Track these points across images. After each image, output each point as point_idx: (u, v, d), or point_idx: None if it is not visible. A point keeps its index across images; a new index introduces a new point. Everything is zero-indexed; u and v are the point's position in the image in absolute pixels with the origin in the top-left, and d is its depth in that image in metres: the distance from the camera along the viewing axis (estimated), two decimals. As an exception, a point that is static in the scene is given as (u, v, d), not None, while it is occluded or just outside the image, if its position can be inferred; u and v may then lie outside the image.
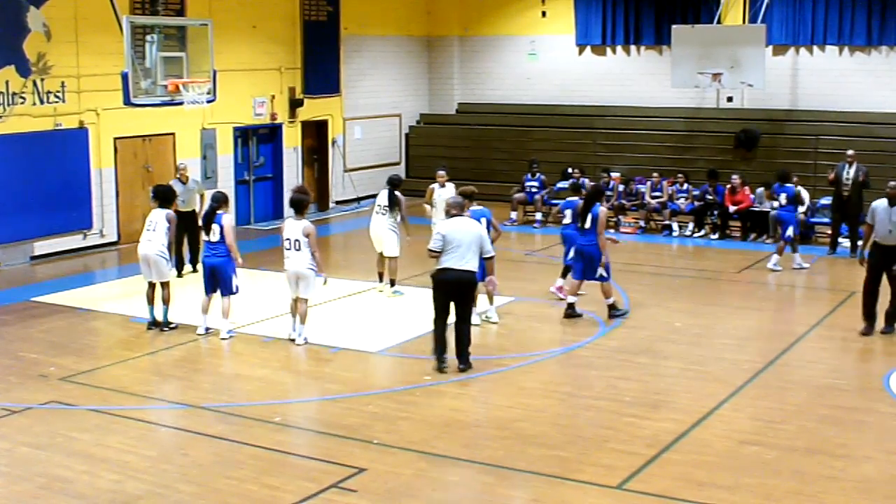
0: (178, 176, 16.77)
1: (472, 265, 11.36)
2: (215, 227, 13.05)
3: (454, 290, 11.40)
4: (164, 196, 13.76)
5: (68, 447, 9.43)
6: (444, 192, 15.41)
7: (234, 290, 13.09)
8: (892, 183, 12.86)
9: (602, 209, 13.63)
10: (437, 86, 27.37)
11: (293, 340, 12.71)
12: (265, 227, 21.74)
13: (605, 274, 13.61)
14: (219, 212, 13.09)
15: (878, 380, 11.32)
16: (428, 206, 15.86)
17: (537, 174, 22.16)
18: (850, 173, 18.33)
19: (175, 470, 8.94)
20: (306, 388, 11.38)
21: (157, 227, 13.38)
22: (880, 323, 12.95)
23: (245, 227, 21.56)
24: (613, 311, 13.77)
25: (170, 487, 8.55)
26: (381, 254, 15.33)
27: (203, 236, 13.40)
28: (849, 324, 13.38)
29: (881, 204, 12.80)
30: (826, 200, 19.49)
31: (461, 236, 11.33)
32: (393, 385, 11.26)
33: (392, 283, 15.24)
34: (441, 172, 16.02)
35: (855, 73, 22.78)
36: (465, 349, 11.52)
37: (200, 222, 13.69)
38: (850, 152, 18.64)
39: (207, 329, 13.11)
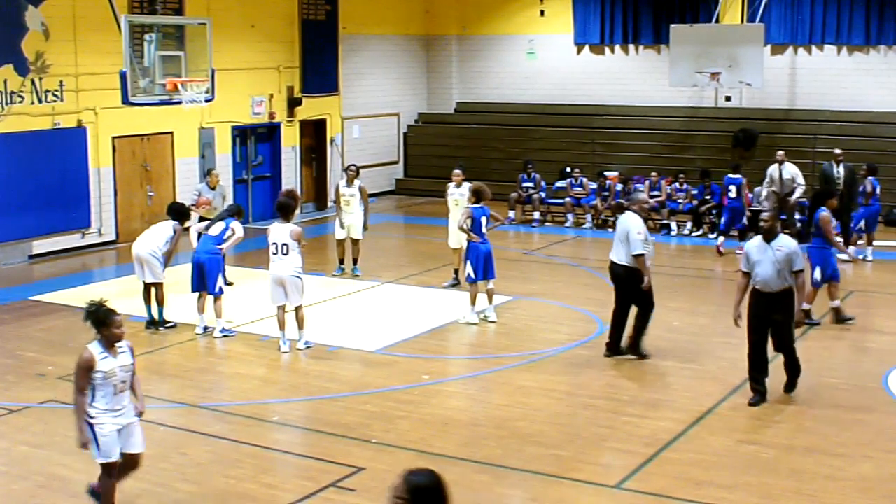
0: (206, 180, 16.72)
1: (618, 257, 11.79)
2: (221, 223, 13.12)
3: (615, 283, 12.00)
4: (176, 212, 13.72)
5: (66, 446, 9.38)
6: (458, 191, 15.33)
7: (218, 291, 12.97)
8: (764, 214, 10.96)
9: (822, 214, 13.21)
10: (436, 85, 27.35)
11: (286, 353, 12.28)
12: (263, 226, 21.62)
13: (817, 278, 13.38)
14: (229, 218, 13.28)
15: (877, 379, 11.32)
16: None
17: (532, 174, 22.16)
18: (839, 172, 18.33)
19: (173, 469, 8.94)
20: (304, 387, 11.36)
21: (156, 231, 13.35)
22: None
23: (243, 227, 21.48)
24: (807, 319, 13.30)
25: (168, 486, 8.55)
26: (347, 239, 16.47)
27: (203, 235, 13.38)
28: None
29: (754, 244, 10.50)
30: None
31: (616, 232, 12.03)
32: (391, 384, 11.24)
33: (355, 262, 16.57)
34: (457, 171, 15.76)
35: (853, 72, 22.78)
36: (638, 337, 12.04)
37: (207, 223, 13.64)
38: (837, 151, 18.64)
39: (205, 328, 13.10)
